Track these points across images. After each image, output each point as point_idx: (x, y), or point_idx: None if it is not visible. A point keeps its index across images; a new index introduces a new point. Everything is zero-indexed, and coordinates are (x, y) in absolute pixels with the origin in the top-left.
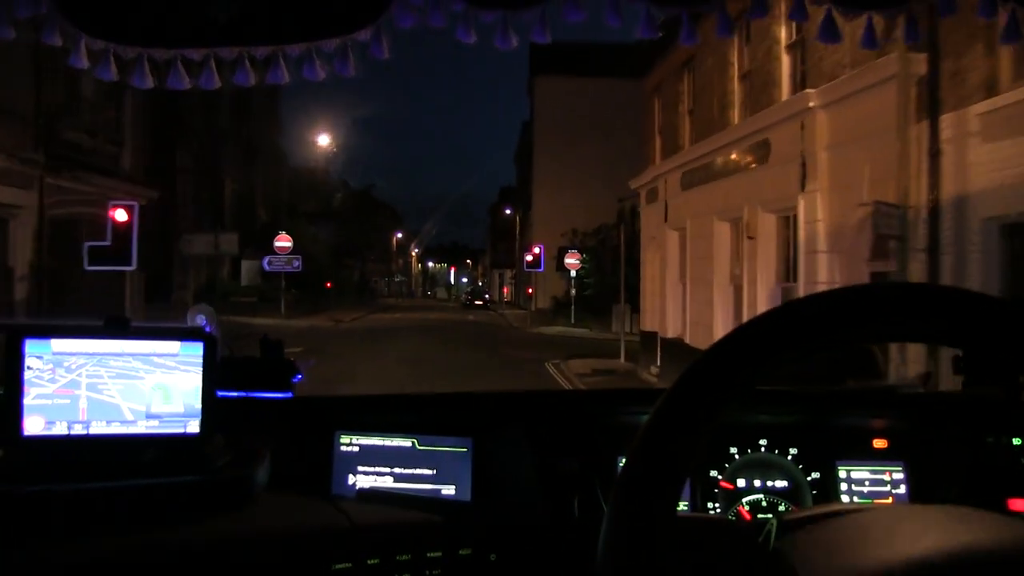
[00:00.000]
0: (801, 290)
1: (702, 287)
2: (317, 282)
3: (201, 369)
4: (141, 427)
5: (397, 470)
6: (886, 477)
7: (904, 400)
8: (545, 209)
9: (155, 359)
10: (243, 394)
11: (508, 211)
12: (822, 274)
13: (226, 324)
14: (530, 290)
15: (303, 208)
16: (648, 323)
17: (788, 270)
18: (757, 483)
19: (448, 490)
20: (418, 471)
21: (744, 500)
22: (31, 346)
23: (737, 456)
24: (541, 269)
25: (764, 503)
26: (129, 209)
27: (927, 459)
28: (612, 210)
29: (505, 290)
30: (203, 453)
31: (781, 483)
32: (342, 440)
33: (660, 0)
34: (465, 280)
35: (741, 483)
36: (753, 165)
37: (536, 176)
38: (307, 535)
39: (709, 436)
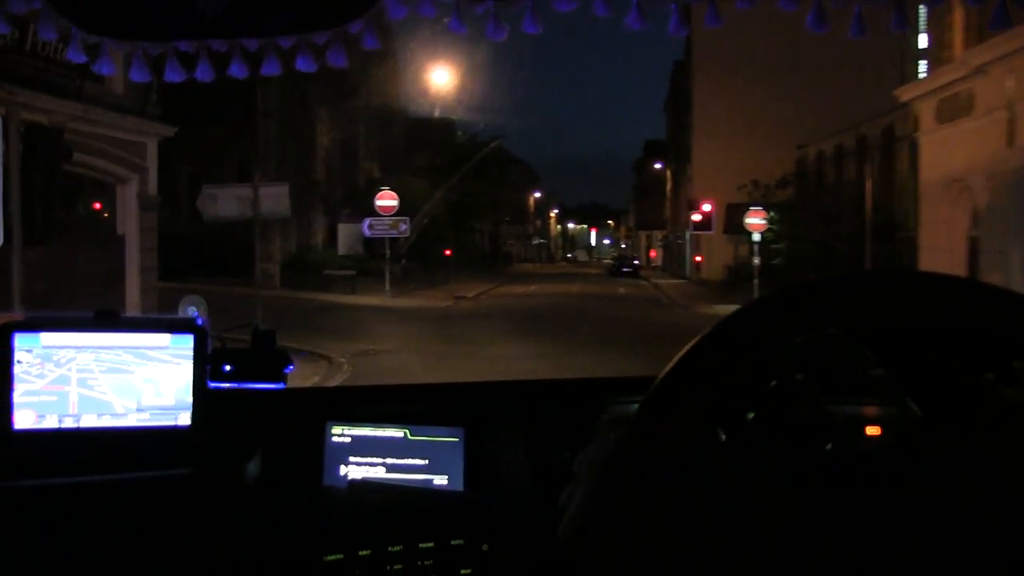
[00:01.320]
0: None
1: None
2: (435, 249)
3: (192, 361)
4: (132, 420)
5: (389, 460)
6: None
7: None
8: (708, 161)
9: (146, 352)
10: (235, 385)
11: (658, 166)
12: None
13: (306, 304)
14: (699, 258)
15: (418, 162)
16: None
17: None
18: None
19: (440, 480)
20: (410, 461)
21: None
22: (20, 340)
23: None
24: (712, 231)
25: None
26: None
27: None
28: (787, 160)
29: (652, 253)
30: (194, 445)
31: None
32: (334, 431)
33: None
34: (607, 242)
35: None
36: None
37: (696, 122)
38: (298, 526)
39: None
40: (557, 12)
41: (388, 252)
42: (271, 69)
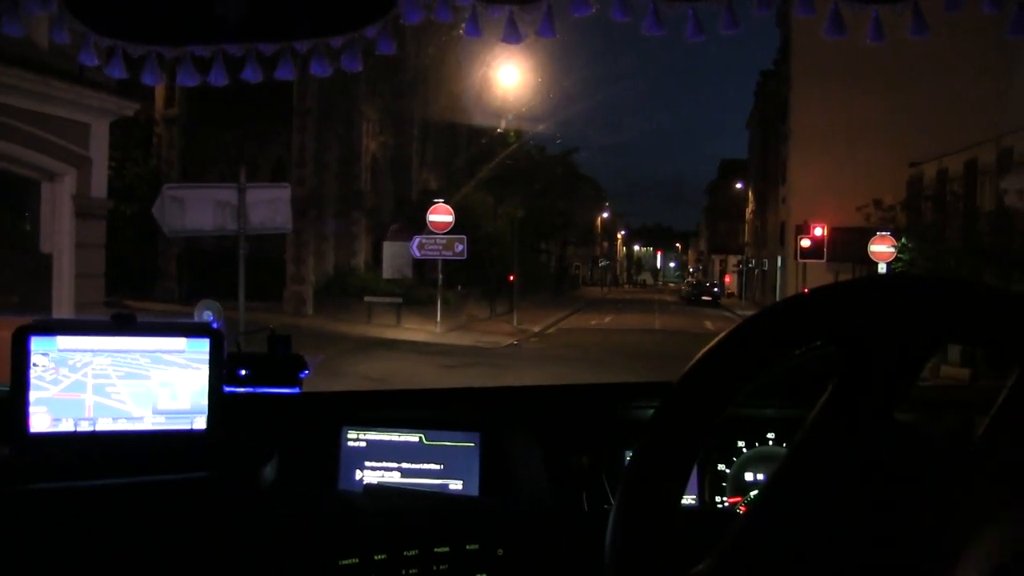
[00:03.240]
0: None
1: None
2: (497, 273)
3: (208, 366)
4: (148, 424)
5: (404, 465)
6: None
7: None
8: (807, 179)
9: (162, 356)
10: (250, 390)
11: (739, 186)
12: None
13: (337, 339)
14: (807, 290)
15: (480, 174)
16: None
17: None
18: (764, 476)
19: (456, 485)
20: (425, 466)
21: (752, 494)
22: (37, 343)
23: (745, 450)
24: (824, 259)
25: None
26: None
27: None
28: (897, 180)
29: (727, 279)
30: (210, 449)
31: None
32: (349, 435)
33: None
34: (672, 265)
35: (749, 476)
36: None
37: (794, 137)
38: (314, 531)
39: (715, 429)
40: (575, 17)
41: (440, 277)
42: (285, 73)
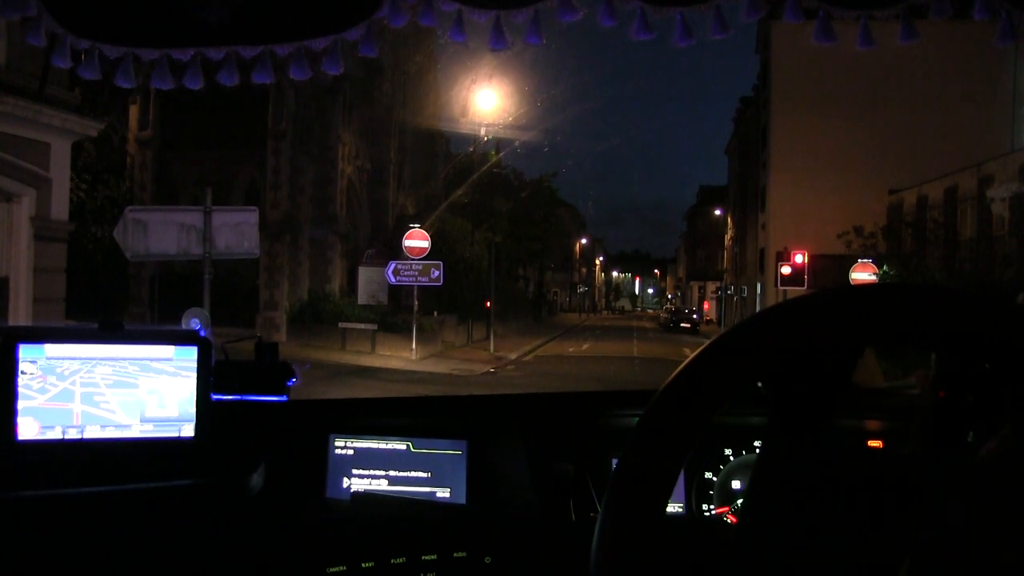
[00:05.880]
0: None
1: None
2: (474, 299)
3: (195, 373)
4: (136, 431)
5: (392, 473)
6: None
7: (899, 401)
8: (786, 205)
9: (150, 363)
10: (238, 397)
11: (718, 212)
12: None
13: (312, 367)
14: None
15: (457, 199)
16: None
17: None
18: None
19: (443, 493)
20: (413, 474)
21: (738, 502)
22: (25, 351)
23: (732, 457)
24: (804, 286)
25: None
26: None
27: None
28: (875, 208)
29: (706, 306)
30: (198, 457)
31: None
32: (337, 443)
33: (655, 0)
34: (650, 292)
35: (736, 485)
36: None
37: (774, 163)
38: (301, 538)
39: (701, 437)
40: (561, 23)
41: (416, 303)
42: (262, 77)
